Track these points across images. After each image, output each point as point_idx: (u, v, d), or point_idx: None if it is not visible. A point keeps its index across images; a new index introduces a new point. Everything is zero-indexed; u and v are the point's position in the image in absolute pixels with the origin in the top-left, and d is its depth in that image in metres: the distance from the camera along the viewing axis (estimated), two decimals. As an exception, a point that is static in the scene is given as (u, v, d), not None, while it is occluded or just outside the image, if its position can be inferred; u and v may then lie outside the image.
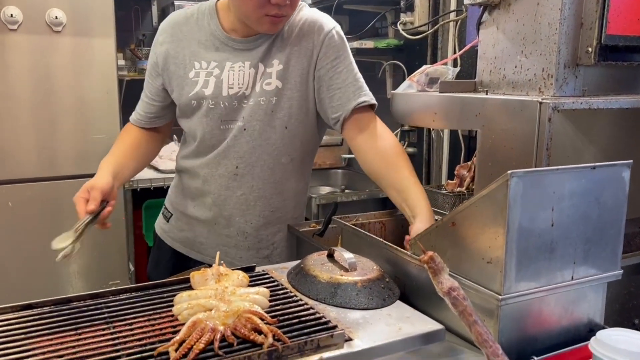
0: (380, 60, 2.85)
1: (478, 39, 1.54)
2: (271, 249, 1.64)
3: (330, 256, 1.24)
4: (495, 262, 0.95)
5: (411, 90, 1.65)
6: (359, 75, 1.54)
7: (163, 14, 3.44)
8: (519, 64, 1.41)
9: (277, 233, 1.65)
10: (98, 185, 1.36)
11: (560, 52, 1.31)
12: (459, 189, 2.20)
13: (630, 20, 1.30)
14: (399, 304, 1.10)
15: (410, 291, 1.18)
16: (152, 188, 2.94)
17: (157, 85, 1.59)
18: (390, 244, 1.24)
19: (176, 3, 3.31)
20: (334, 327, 0.97)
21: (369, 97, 1.52)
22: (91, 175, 2.66)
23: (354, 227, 1.41)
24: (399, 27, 2.51)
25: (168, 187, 2.02)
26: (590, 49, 1.31)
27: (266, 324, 0.94)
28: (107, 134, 2.61)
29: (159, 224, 1.77)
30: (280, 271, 1.27)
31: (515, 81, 1.42)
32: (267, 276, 1.22)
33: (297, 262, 1.28)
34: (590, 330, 1.08)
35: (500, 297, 0.94)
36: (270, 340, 0.89)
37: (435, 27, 2.42)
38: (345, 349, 0.92)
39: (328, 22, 1.53)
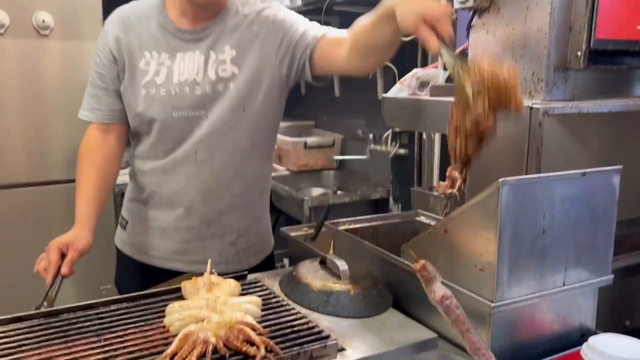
0: (371, 61, 2.84)
1: (468, 43, 1.54)
2: (236, 234, 1.59)
3: (323, 263, 1.24)
4: (487, 269, 0.95)
5: (402, 94, 1.65)
6: (306, 20, 1.57)
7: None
8: (509, 68, 1.41)
9: (243, 219, 1.60)
10: (79, 247, 1.34)
11: (550, 56, 1.31)
12: (450, 191, 2.20)
13: (619, 24, 1.30)
14: (392, 311, 1.10)
15: (403, 298, 1.18)
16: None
17: (113, 73, 1.52)
18: (382, 250, 1.24)
19: (165, 4, 3.29)
20: (327, 336, 0.96)
21: (324, 28, 1.54)
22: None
23: (346, 232, 1.41)
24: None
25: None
26: (579, 53, 1.31)
27: (258, 334, 0.94)
28: (97, 137, 2.58)
29: (118, 234, 1.70)
30: (273, 279, 1.27)
31: (506, 85, 1.42)
32: (259, 284, 1.22)
33: (290, 269, 1.27)
34: (582, 335, 1.09)
35: (492, 304, 0.94)
36: (263, 352, 0.88)
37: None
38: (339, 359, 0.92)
39: (274, 4, 1.57)
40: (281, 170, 3.23)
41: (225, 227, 1.57)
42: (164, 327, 1.01)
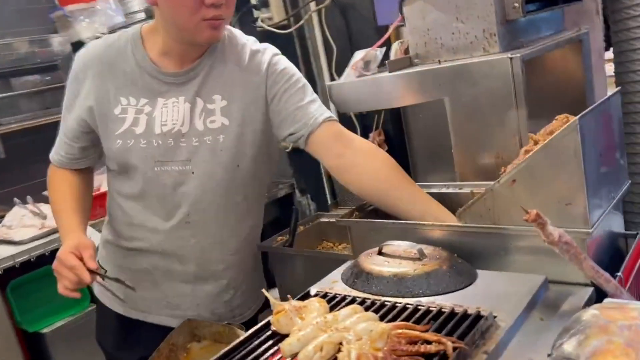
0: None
1: (401, 17, 1.61)
2: (232, 292, 1.51)
3: (381, 253, 1.20)
4: (576, 201, 1.03)
5: (351, 79, 1.66)
6: (316, 95, 1.42)
7: None
8: (456, 30, 1.51)
9: (240, 272, 1.53)
10: (89, 244, 1.27)
11: (497, 12, 1.44)
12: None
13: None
14: (483, 273, 1.12)
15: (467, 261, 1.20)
16: (17, 265, 2.47)
17: (74, 126, 1.41)
18: (431, 223, 1.24)
19: None
20: (468, 313, 0.95)
21: (332, 114, 1.42)
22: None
23: (370, 220, 1.38)
24: (264, 25, 2.46)
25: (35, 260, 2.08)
26: (517, 5, 1.46)
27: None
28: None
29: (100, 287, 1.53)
30: (334, 284, 1.19)
31: (456, 46, 1.52)
32: (332, 295, 1.14)
33: (349, 271, 1.20)
34: (624, 237, 1.25)
35: (589, 230, 1.02)
36: (450, 343, 0.84)
37: (301, 21, 2.42)
38: (504, 327, 0.91)
39: (269, 50, 1.43)
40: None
41: (221, 285, 1.48)
42: (299, 366, 0.90)
